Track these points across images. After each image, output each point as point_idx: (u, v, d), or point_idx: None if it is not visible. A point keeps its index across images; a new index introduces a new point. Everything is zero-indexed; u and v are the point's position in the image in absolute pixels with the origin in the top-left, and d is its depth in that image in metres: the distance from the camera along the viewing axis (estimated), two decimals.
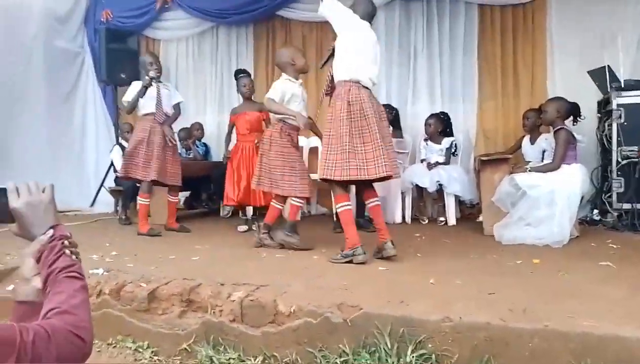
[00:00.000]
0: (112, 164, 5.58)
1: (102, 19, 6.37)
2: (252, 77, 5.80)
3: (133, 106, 4.29)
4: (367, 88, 3.06)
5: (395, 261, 3.03)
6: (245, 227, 4.60)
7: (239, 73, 4.72)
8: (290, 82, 3.61)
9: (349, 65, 3.02)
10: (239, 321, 2.29)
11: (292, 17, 5.83)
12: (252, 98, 4.66)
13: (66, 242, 1.08)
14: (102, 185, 5.88)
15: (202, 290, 2.48)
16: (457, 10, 5.31)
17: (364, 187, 3.26)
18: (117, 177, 5.40)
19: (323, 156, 3.10)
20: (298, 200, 3.63)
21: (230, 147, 4.78)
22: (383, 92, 5.55)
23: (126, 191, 5.11)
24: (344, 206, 3.10)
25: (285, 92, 3.54)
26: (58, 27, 6.22)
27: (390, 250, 3.01)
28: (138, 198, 4.37)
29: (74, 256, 1.08)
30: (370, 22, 3.17)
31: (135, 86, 4.29)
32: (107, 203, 5.87)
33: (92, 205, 6.07)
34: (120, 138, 5.69)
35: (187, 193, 5.83)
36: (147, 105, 4.26)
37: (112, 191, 5.59)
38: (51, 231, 1.09)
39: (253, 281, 2.47)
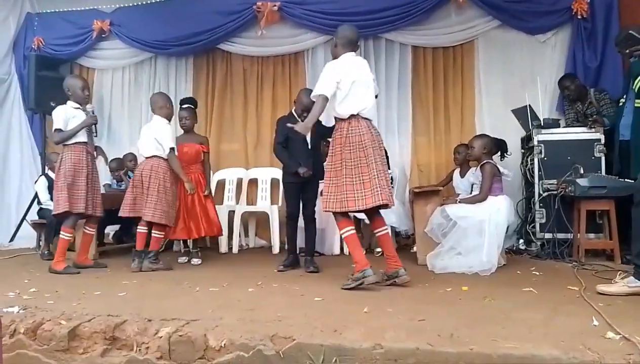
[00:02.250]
0: (36, 196, 5.27)
1: (33, 46, 6.12)
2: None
3: (73, 135, 3.96)
4: (367, 119, 3.15)
5: (331, 291, 3.03)
6: (185, 258, 4.50)
7: (183, 103, 4.63)
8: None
9: (346, 105, 3.13)
10: (166, 358, 2.19)
11: (232, 51, 5.88)
12: (200, 129, 4.62)
13: None
14: (24, 218, 5.51)
15: (128, 326, 2.35)
16: (392, 50, 5.57)
17: (371, 216, 3.30)
18: (40, 209, 5.10)
19: (325, 189, 3.23)
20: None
21: None
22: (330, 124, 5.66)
23: (50, 224, 4.82)
24: (347, 231, 3.20)
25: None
26: None
27: (404, 276, 3.11)
28: (62, 232, 4.00)
29: None
30: (354, 49, 3.27)
31: (65, 113, 3.96)
32: (28, 237, 5.50)
33: (12, 240, 5.66)
34: (47, 169, 5.39)
35: (116, 227, 5.54)
36: (79, 133, 4.00)
37: (35, 225, 5.26)
38: None
39: (183, 316, 2.38)
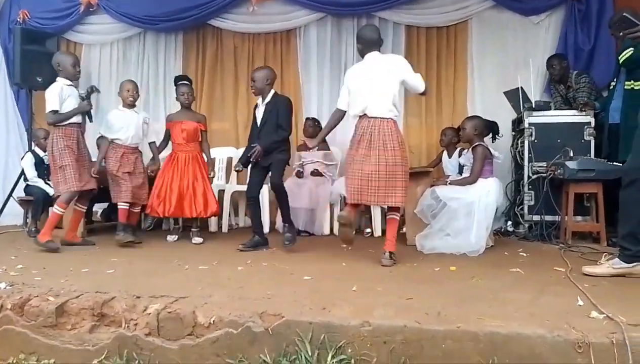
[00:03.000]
0: (22, 172, 5.19)
1: (18, 19, 5.96)
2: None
3: (68, 118, 3.90)
4: (375, 117, 3.27)
5: (320, 270, 3.04)
6: (175, 237, 4.46)
7: (179, 80, 4.55)
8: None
9: (354, 103, 3.37)
10: (154, 334, 2.19)
11: (223, 27, 5.78)
12: (192, 107, 4.55)
13: None
14: (10, 194, 5.44)
15: (116, 303, 2.35)
16: (386, 29, 5.49)
17: None
18: (27, 186, 5.03)
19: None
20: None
21: (165, 154, 4.65)
22: (314, 105, 5.63)
23: (37, 201, 4.77)
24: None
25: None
26: None
27: (385, 260, 3.19)
28: (55, 207, 3.93)
29: None
30: (378, 49, 3.41)
31: (59, 91, 3.86)
32: (15, 214, 5.44)
33: None
34: (34, 145, 5.30)
35: (104, 205, 5.47)
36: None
37: (22, 202, 5.20)
38: None
39: (172, 293, 2.37)
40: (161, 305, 2.25)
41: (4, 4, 6.08)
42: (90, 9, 5.83)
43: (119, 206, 4.25)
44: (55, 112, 3.86)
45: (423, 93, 3.57)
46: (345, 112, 3.53)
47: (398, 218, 3.39)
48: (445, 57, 5.49)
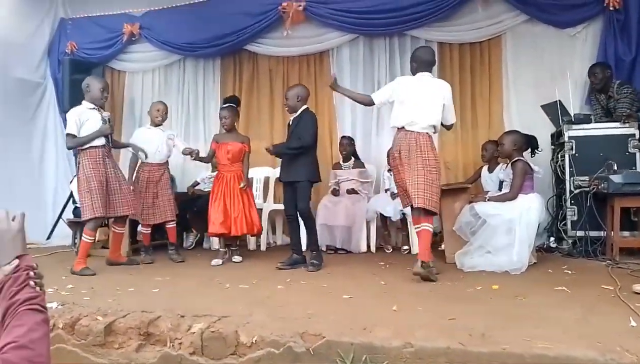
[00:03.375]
0: (71, 195, 5.43)
1: (66, 50, 6.30)
2: (218, 108, 5.87)
3: (87, 143, 3.93)
4: (415, 131, 3.42)
5: (359, 288, 3.04)
6: (220, 261, 4.37)
7: (224, 102, 4.70)
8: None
9: (399, 115, 3.51)
10: (199, 353, 2.24)
11: (258, 51, 5.93)
12: (236, 129, 4.65)
13: (31, 273, 1.05)
14: (60, 216, 5.69)
15: (161, 322, 2.42)
16: (418, 47, 5.52)
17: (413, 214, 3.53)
18: (75, 208, 5.24)
19: None
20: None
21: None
22: (348, 124, 5.67)
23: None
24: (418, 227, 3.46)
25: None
26: (18, 57, 6.10)
27: (417, 268, 3.22)
28: (83, 235, 4.00)
29: (38, 288, 1.05)
30: (430, 70, 3.62)
31: (77, 115, 3.93)
32: (64, 236, 5.67)
33: (49, 237, 5.85)
34: None
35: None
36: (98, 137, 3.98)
37: (71, 223, 5.42)
38: (16, 261, 1.05)
39: (215, 313, 2.42)
40: (204, 324, 2.30)
41: (53, 38, 6.44)
42: (133, 38, 6.10)
43: (141, 229, 4.69)
44: (72, 136, 3.91)
45: (449, 127, 3.78)
46: (373, 104, 3.76)
47: (431, 230, 3.41)
48: (479, 72, 5.44)
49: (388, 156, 4.95)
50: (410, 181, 3.34)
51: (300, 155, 3.98)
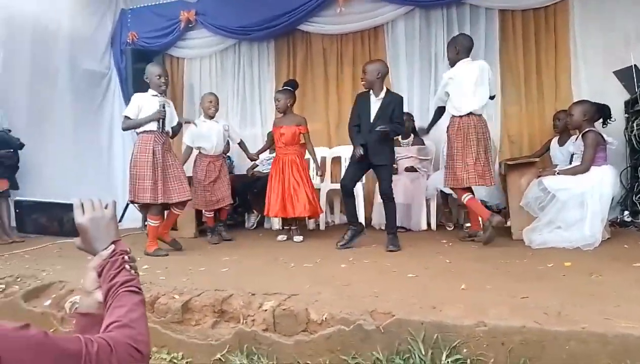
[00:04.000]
0: None
1: (128, 40, 6.55)
2: (273, 91, 5.95)
3: (138, 126, 3.98)
4: (474, 114, 3.81)
5: (423, 267, 3.02)
6: (284, 237, 4.63)
7: (283, 85, 4.78)
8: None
9: (458, 104, 3.84)
10: (271, 330, 2.31)
11: (311, 31, 5.91)
12: (292, 111, 4.64)
13: (126, 257, 1.12)
14: (130, 201, 5.99)
15: (234, 300, 2.51)
16: (478, 16, 5.31)
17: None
18: None
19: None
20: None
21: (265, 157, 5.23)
22: (405, 100, 5.54)
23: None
24: (466, 197, 3.87)
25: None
26: (84, 49, 6.41)
27: (481, 236, 3.81)
28: (148, 219, 4.14)
29: (132, 271, 1.12)
30: (468, 55, 3.89)
31: (139, 101, 3.98)
32: (134, 219, 5.99)
33: (121, 220, 6.20)
34: None
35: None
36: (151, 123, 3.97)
37: (141, 206, 5.70)
38: (112, 247, 1.13)
39: (283, 291, 2.49)
40: (275, 302, 2.37)
41: (115, 29, 6.71)
42: (190, 25, 6.25)
43: (205, 213, 4.84)
44: (127, 118, 3.97)
45: (492, 97, 4.05)
46: (445, 108, 4.00)
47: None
48: (544, 40, 5.15)
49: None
50: (473, 161, 3.76)
51: (387, 139, 3.93)
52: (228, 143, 5.55)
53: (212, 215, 4.87)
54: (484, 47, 5.29)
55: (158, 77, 4.01)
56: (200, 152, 4.75)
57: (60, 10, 6.02)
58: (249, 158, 5.08)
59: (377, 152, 3.87)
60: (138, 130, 4.02)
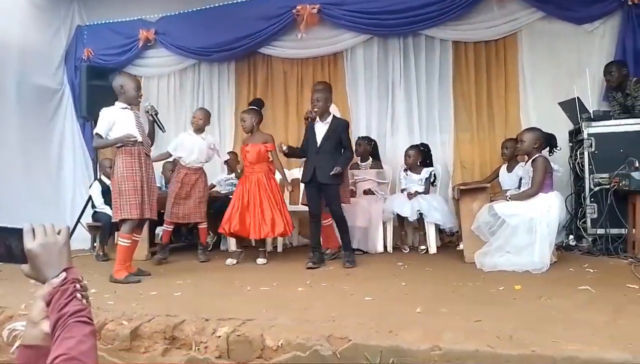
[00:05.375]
0: (90, 199, 5.49)
1: (83, 57, 6.38)
2: (233, 111, 5.94)
3: (109, 146, 3.89)
4: None
5: (380, 290, 3.04)
6: (234, 261, 4.44)
7: (249, 104, 4.86)
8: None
9: None
10: (225, 357, 2.25)
11: (272, 54, 5.96)
12: (259, 130, 4.62)
13: (78, 285, 1.07)
14: (78, 220, 5.76)
15: (186, 326, 2.43)
16: (433, 46, 5.51)
17: None
18: (95, 213, 5.31)
19: None
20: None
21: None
22: (363, 125, 5.67)
23: (104, 227, 5.03)
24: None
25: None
26: (36, 64, 6.19)
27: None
28: (120, 239, 3.86)
29: (84, 300, 1.06)
30: None
31: (110, 116, 3.77)
32: (82, 240, 5.74)
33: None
34: (100, 174, 5.61)
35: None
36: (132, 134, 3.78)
37: (90, 228, 5.49)
38: (64, 274, 1.07)
39: (239, 316, 2.44)
40: (229, 328, 2.31)
41: (70, 44, 6.53)
42: (148, 44, 6.17)
43: (164, 227, 4.76)
44: (98, 136, 3.78)
45: None
46: None
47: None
48: (495, 70, 5.41)
49: (406, 155, 4.96)
50: None
51: (333, 160, 4.11)
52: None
53: (170, 229, 4.79)
54: (438, 76, 5.50)
55: (136, 90, 3.87)
56: (179, 163, 4.77)
57: (10, 24, 5.83)
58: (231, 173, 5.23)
59: (324, 171, 4.06)
60: (119, 145, 3.80)
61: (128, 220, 3.76)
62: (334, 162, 4.06)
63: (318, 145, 4.17)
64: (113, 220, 4.00)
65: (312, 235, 4.32)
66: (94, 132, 3.90)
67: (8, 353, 2.48)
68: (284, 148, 4.27)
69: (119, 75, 4.18)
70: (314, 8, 5.42)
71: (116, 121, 3.79)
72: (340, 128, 4.19)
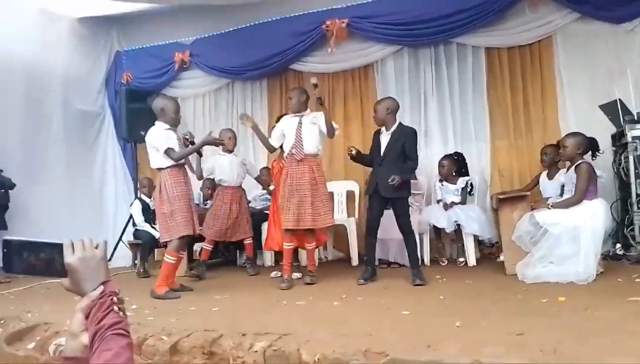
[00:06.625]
0: (131, 217, 5.67)
1: (122, 81, 6.65)
2: (266, 128, 5.99)
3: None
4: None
5: (417, 303, 2.98)
6: (279, 273, 4.40)
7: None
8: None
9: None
10: None
11: (303, 70, 6.03)
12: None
13: (115, 298, 1.10)
14: (120, 239, 5.94)
15: (224, 341, 2.45)
16: (465, 54, 5.44)
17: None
18: (136, 231, 5.47)
19: None
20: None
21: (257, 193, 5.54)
22: None
23: (144, 245, 5.16)
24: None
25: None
26: (78, 90, 6.49)
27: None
28: (167, 256, 3.87)
29: (121, 313, 1.09)
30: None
31: (162, 132, 3.82)
32: (124, 257, 5.91)
33: (110, 259, 6.11)
34: (140, 193, 5.79)
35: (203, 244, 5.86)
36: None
37: (131, 245, 5.65)
38: (102, 287, 1.10)
39: (275, 330, 2.44)
40: (266, 343, 2.31)
41: (110, 70, 6.82)
42: (184, 66, 6.36)
43: (204, 245, 4.88)
44: (172, 149, 3.77)
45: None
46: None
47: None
48: (530, 75, 5.28)
49: (440, 166, 4.88)
50: None
51: (398, 170, 3.90)
52: None
53: (210, 248, 4.90)
54: (471, 83, 5.42)
55: (176, 112, 3.93)
56: (221, 185, 4.90)
57: (54, 53, 6.15)
58: (264, 189, 5.33)
59: (388, 185, 3.83)
60: (163, 166, 3.82)
61: (179, 238, 3.79)
62: (396, 173, 3.87)
63: (381, 155, 3.99)
64: (163, 240, 3.97)
65: (367, 249, 4.08)
66: (166, 147, 3.76)
67: None
68: (353, 151, 4.09)
69: (158, 97, 4.22)
70: (343, 22, 5.47)
71: (168, 138, 3.83)
72: (404, 136, 3.95)
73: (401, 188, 3.88)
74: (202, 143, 3.95)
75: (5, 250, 1.10)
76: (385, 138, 4.02)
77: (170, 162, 3.81)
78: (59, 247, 1.10)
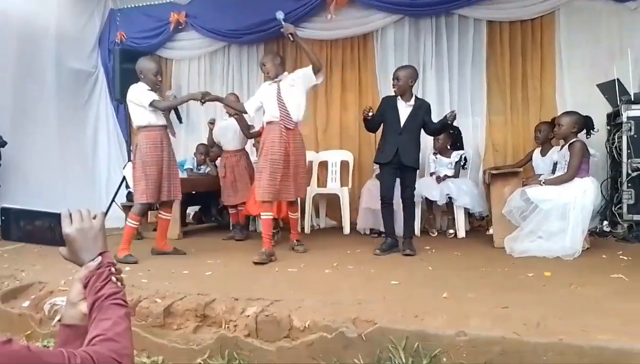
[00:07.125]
0: (124, 180, 5.66)
1: (116, 40, 6.50)
2: None
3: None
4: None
5: (407, 274, 3.05)
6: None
7: None
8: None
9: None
10: (253, 336, 2.31)
11: (302, 36, 5.89)
12: None
13: (113, 269, 1.12)
14: (113, 200, 5.94)
15: (217, 305, 2.50)
16: (466, 26, 5.36)
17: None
18: (129, 193, 5.47)
19: None
20: None
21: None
22: None
23: None
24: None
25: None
26: (71, 48, 6.34)
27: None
28: (129, 220, 3.94)
29: (119, 283, 1.11)
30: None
31: (144, 88, 3.80)
32: (118, 218, 5.92)
33: None
34: (133, 155, 5.76)
35: (196, 208, 5.93)
36: (158, 116, 3.83)
37: (124, 207, 5.66)
38: (100, 258, 1.11)
39: (267, 296, 2.49)
40: (258, 308, 2.37)
41: (103, 28, 6.65)
42: (179, 27, 6.22)
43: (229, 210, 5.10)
44: (157, 100, 3.75)
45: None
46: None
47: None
48: (531, 51, 5.22)
49: (435, 139, 4.88)
50: None
51: (418, 142, 3.94)
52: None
53: (235, 212, 5.04)
54: (471, 57, 5.37)
55: (155, 75, 3.85)
56: (223, 149, 5.05)
57: (47, 9, 5.98)
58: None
59: (408, 153, 3.83)
60: (142, 124, 3.80)
61: (140, 203, 3.87)
62: (417, 148, 3.91)
63: (402, 125, 3.88)
64: (139, 202, 3.93)
65: (385, 221, 4.01)
66: (151, 100, 3.74)
67: (50, 326, 2.62)
68: (370, 113, 3.88)
69: (141, 59, 4.13)
70: None
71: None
72: (424, 109, 3.93)
73: (415, 160, 3.92)
74: (188, 97, 4.12)
75: (3, 218, 1.10)
76: (405, 109, 3.90)
77: (151, 120, 3.78)
78: (57, 217, 1.11)
